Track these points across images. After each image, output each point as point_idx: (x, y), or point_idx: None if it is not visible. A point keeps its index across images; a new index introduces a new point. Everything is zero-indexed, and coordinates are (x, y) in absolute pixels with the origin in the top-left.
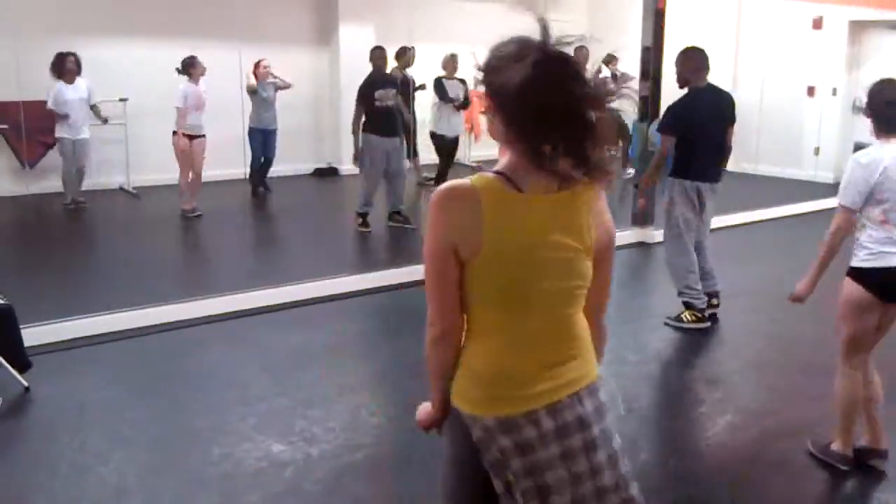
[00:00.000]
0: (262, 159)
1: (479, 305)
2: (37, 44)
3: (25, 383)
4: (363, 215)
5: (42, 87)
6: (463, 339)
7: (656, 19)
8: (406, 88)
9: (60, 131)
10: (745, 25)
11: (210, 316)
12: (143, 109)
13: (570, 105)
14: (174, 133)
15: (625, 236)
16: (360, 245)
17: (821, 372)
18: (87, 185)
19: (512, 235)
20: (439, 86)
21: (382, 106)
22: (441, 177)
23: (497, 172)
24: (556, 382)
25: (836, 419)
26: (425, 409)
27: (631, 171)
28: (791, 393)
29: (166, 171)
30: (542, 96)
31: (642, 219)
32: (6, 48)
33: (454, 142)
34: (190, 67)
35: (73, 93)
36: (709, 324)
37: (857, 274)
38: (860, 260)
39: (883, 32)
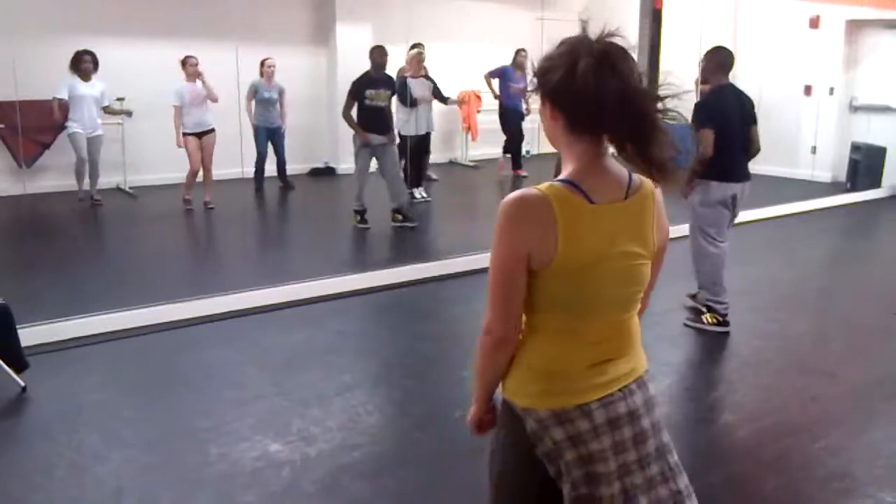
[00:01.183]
0: (276, 159)
1: (543, 310)
2: (34, 43)
3: (22, 383)
4: (358, 212)
5: (40, 88)
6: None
7: (653, 19)
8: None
9: (73, 126)
10: (742, 25)
11: (207, 315)
12: (140, 109)
13: (629, 94)
14: (182, 135)
15: None
16: (357, 244)
17: (819, 372)
18: (84, 185)
19: (583, 246)
20: (402, 87)
21: (372, 105)
22: (412, 179)
23: (564, 181)
24: (608, 377)
25: (834, 418)
26: (472, 413)
27: None
28: (789, 393)
29: (164, 171)
30: (601, 85)
31: None
32: (3, 48)
33: (422, 140)
34: (182, 66)
35: (87, 89)
36: (729, 329)
37: None
38: None
39: (880, 31)
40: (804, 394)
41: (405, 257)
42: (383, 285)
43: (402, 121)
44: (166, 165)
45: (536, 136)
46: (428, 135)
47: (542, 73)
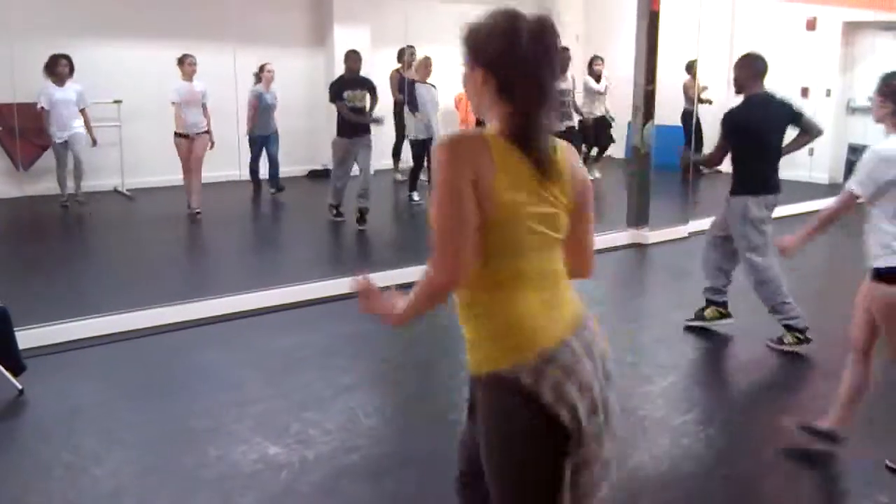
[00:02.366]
0: (270, 165)
1: (491, 259)
2: (32, 45)
3: (20, 386)
4: (335, 206)
5: (37, 90)
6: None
7: (651, 20)
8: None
9: (54, 135)
10: (739, 26)
11: (205, 318)
12: (137, 111)
13: (555, 69)
14: (175, 134)
15: (620, 238)
16: (355, 246)
17: (819, 372)
18: (68, 188)
19: (514, 188)
20: (410, 92)
21: (351, 106)
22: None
23: (496, 133)
24: (567, 313)
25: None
26: (387, 303)
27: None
28: (789, 393)
29: (160, 173)
30: (538, 53)
31: (636, 220)
32: (1, 50)
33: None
34: (179, 64)
35: (61, 93)
36: (808, 344)
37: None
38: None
39: (877, 33)
40: (804, 394)
41: (402, 259)
42: (381, 287)
43: (411, 126)
44: (164, 167)
45: None
46: (430, 140)
47: (477, 42)
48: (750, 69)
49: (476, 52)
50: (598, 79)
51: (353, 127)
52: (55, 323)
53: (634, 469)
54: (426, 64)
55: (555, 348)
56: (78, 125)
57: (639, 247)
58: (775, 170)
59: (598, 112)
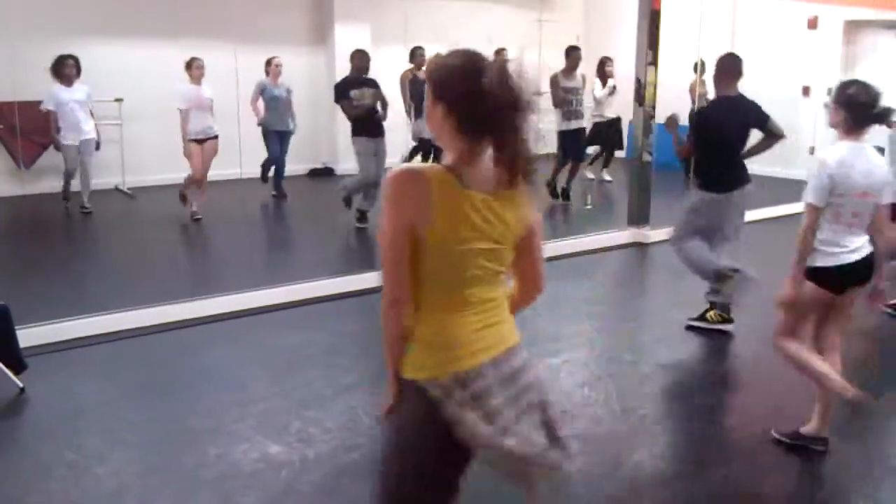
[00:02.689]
0: (276, 166)
1: (427, 284)
2: (33, 45)
3: (21, 384)
4: (362, 211)
5: (38, 89)
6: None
7: (652, 20)
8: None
9: (65, 137)
10: (741, 25)
11: (207, 316)
12: (138, 110)
13: (511, 111)
14: (187, 141)
15: (621, 237)
16: (356, 245)
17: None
18: (77, 185)
19: (454, 223)
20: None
21: (360, 105)
22: None
23: (444, 166)
24: (492, 340)
25: (833, 420)
26: (385, 395)
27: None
28: (789, 394)
29: (162, 172)
30: (493, 101)
31: (637, 219)
32: (2, 49)
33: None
34: (187, 68)
35: (69, 94)
36: (732, 327)
37: (813, 273)
38: (818, 260)
39: (878, 32)
40: (804, 395)
41: None
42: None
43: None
44: (164, 166)
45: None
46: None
47: (441, 79)
48: (719, 69)
49: (440, 88)
50: (605, 81)
51: (372, 125)
52: (57, 321)
53: (634, 468)
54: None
55: (468, 374)
56: (89, 129)
57: (639, 246)
58: (738, 166)
59: (610, 114)
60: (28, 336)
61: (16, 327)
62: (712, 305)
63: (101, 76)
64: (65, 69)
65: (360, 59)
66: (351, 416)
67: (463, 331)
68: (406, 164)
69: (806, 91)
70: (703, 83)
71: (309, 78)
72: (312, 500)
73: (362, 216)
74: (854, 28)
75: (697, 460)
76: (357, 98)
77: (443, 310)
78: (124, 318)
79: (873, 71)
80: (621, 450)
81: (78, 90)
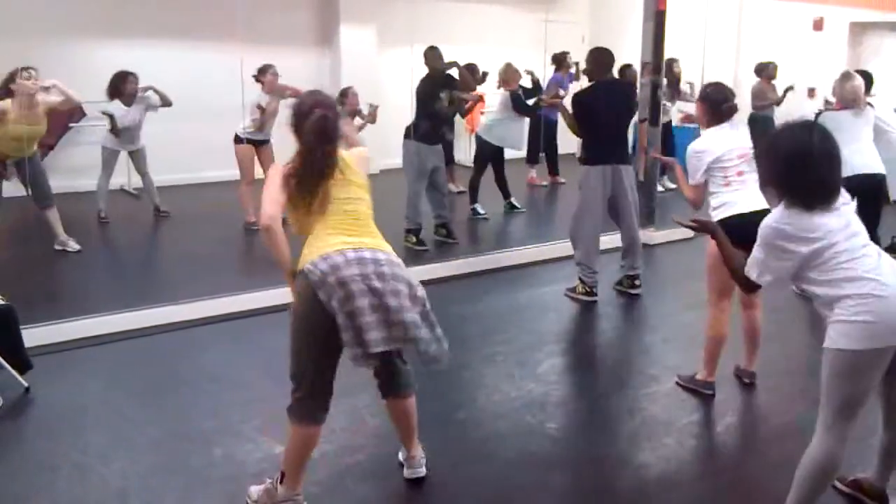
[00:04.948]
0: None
1: (313, 223)
2: (38, 45)
3: (26, 384)
4: (415, 232)
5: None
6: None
7: (657, 20)
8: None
9: (106, 141)
10: (746, 27)
11: (212, 317)
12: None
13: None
14: (240, 141)
15: None
16: None
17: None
18: (85, 186)
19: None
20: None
21: (444, 109)
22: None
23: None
24: (358, 241)
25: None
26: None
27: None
28: (792, 394)
29: (166, 173)
30: (319, 138)
31: (643, 220)
32: (7, 49)
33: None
34: (260, 75)
35: (131, 116)
36: (596, 299)
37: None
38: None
39: (884, 34)
40: (809, 396)
41: (407, 259)
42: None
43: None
44: (169, 166)
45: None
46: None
47: (298, 117)
48: (591, 60)
49: (296, 122)
50: (677, 82)
51: (439, 132)
52: (61, 321)
53: (640, 469)
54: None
55: (330, 252)
56: (140, 136)
57: (645, 247)
58: (610, 145)
59: (666, 118)
60: (33, 336)
61: (21, 327)
62: (582, 281)
63: (106, 77)
64: (126, 86)
65: (436, 59)
66: (355, 418)
67: (332, 241)
68: (280, 164)
69: (811, 93)
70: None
71: (314, 79)
72: (317, 500)
73: (449, 232)
74: (860, 30)
75: (704, 463)
76: (444, 101)
77: (319, 229)
78: (129, 318)
79: (879, 72)
80: (627, 450)
81: (136, 110)
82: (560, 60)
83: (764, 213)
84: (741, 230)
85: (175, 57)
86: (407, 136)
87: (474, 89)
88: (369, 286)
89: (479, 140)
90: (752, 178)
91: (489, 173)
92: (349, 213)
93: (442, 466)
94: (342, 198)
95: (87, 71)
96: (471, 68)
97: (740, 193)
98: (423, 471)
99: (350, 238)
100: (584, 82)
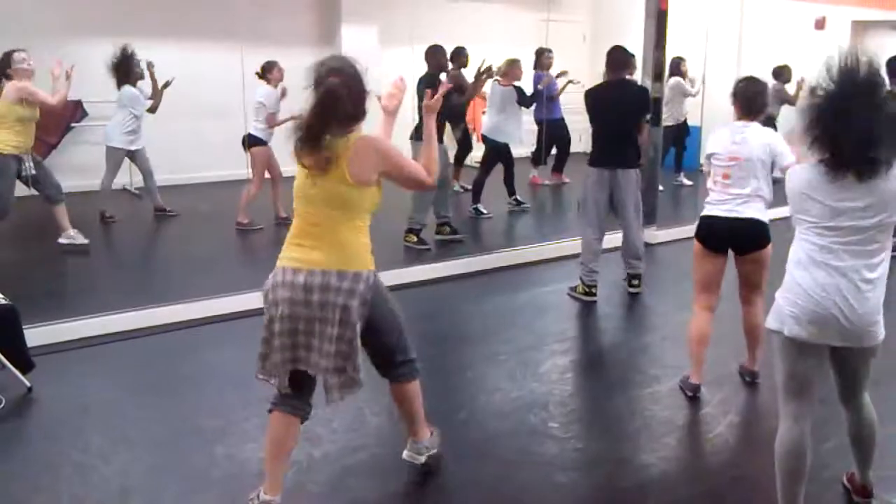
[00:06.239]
0: None
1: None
2: (40, 43)
3: (28, 384)
4: (416, 231)
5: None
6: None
7: (658, 20)
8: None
9: (110, 140)
10: (748, 25)
11: (214, 316)
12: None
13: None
14: (261, 143)
15: None
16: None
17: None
18: (88, 185)
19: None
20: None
21: (457, 105)
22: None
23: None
24: (298, 256)
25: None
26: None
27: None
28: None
29: (168, 172)
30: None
31: (644, 219)
32: (11, 47)
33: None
34: (267, 72)
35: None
36: (595, 299)
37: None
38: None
39: (886, 33)
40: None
41: (409, 259)
42: (389, 286)
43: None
44: (170, 166)
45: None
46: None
47: (314, 81)
48: (608, 60)
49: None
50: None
51: (442, 131)
52: (64, 321)
53: (640, 469)
54: (461, 56)
55: (279, 265)
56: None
57: (646, 246)
58: (618, 150)
59: (683, 116)
60: (35, 335)
61: (23, 327)
62: (581, 281)
63: (107, 76)
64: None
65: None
66: (357, 417)
67: (289, 246)
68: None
69: (813, 92)
70: (692, 81)
71: None
72: (318, 499)
73: (453, 230)
74: (862, 28)
75: (706, 462)
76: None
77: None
78: (130, 317)
79: (881, 71)
80: (629, 449)
81: (144, 92)
82: (538, 56)
83: (734, 221)
84: (707, 230)
85: (176, 57)
86: (412, 137)
87: (472, 97)
88: (292, 314)
89: (487, 142)
90: (740, 184)
91: (495, 173)
92: (309, 217)
93: (443, 466)
94: (310, 195)
95: (87, 71)
96: (459, 52)
97: (717, 196)
98: (420, 458)
99: (296, 253)
100: (562, 81)
